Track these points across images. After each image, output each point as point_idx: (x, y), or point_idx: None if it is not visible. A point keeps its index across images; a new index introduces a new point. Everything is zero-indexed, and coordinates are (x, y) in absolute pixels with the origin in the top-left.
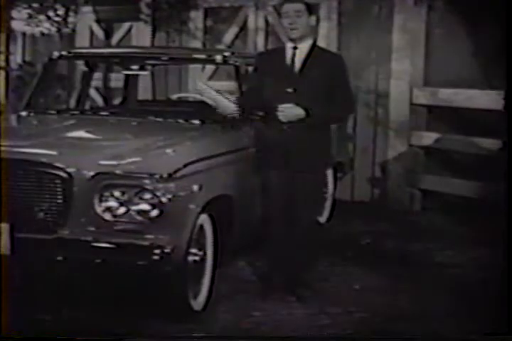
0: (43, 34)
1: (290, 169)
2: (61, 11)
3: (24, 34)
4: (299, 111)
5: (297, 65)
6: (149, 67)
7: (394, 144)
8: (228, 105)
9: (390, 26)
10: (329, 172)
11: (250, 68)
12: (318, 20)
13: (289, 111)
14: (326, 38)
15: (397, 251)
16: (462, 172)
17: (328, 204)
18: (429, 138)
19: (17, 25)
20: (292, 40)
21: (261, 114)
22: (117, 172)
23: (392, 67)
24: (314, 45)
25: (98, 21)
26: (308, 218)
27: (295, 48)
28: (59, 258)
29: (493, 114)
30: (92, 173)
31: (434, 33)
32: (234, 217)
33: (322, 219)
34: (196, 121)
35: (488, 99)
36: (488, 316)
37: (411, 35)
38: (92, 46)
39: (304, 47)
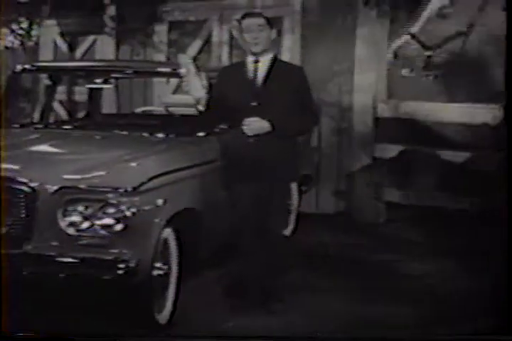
0: (6, 47)
1: (256, 182)
2: (25, 24)
3: None
4: (264, 125)
5: (260, 78)
6: (113, 81)
7: (358, 157)
8: (200, 89)
9: (353, 39)
10: (294, 185)
11: (214, 81)
12: (280, 34)
13: (254, 125)
14: (290, 50)
15: (362, 263)
16: (426, 184)
17: (293, 217)
18: (393, 150)
19: None
20: (254, 54)
21: (225, 127)
22: (81, 186)
23: (355, 80)
24: (275, 59)
25: (62, 34)
26: (275, 230)
27: (257, 62)
28: (25, 272)
29: (456, 127)
30: (55, 187)
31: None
32: (200, 231)
33: (287, 231)
34: (161, 135)
35: (450, 112)
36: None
37: (374, 47)
38: (55, 59)
39: (265, 60)
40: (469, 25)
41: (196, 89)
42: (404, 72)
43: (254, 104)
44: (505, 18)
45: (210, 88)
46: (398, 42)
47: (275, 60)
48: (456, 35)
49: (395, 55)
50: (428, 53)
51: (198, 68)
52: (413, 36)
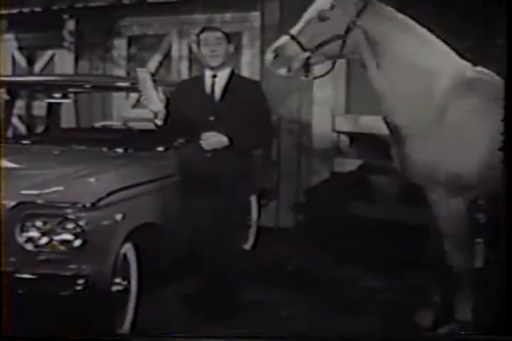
0: None
1: (214, 196)
2: None
3: None
4: (221, 139)
5: (217, 93)
6: (72, 95)
7: (317, 170)
8: (158, 103)
9: None
10: (253, 199)
11: (172, 96)
12: (238, 48)
13: (211, 139)
14: (249, 65)
15: (322, 277)
16: (386, 198)
17: (252, 231)
18: (351, 164)
19: None
20: (212, 68)
21: (183, 141)
22: (39, 201)
23: (314, 95)
24: (233, 73)
25: (20, 48)
26: (234, 245)
27: (214, 76)
28: None
29: None
30: (13, 203)
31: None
32: (159, 245)
33: (247, 246)
34: (120, 150)
35: None
36: None
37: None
38: (14, 74)
39: (223, 75)
40: (347, 30)
41: (154, 103)
42: (281, 71)
43: (211, 118)
44: (506, 18)
45: (168, 102)
46: (278, 42)
47: (233, 75)
48: (335, 39)
49: (276, 55)
50: (306, 55)
51: (156, 82)
52: (292, 37)
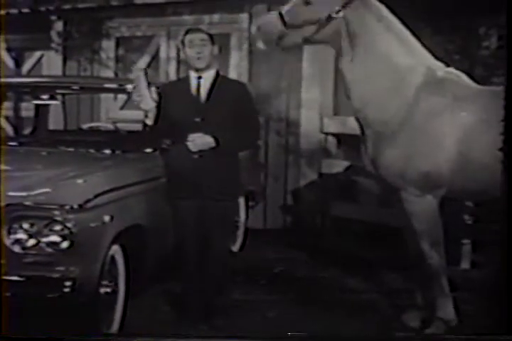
0: None
1: (201, 198)
2: None
3: None
4: (208, 140)
5: (203, 94)
6: (60, 97)
7: (305, 172)
8: (150, 102)
9: (300, 55)
10: (241, 201)
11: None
12: (227, 49)
13: (198, 141)
14: (237, 67)
15: (310, 278)
16: (372, 200)
17: (240, 233)
18: (339, 166)
19: None
20: (197, 69)
21: (170, 143)
22: (26, 203)
23: (302, 96)
24: (218, 75)
25: (8, 50)
26: (221, 246)
27: (200, 78)
28: None
29: None
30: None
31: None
32: (147, 247)
33: (235, 247)
34: (107, 151)
35: None
36: None
37: (321, 63)
38: (1, 75)
39: (208, 76)
40: (328, 17)
41: (146, 101)
42: (259, 44)
43: (197, 119)
44: (506, 18)
45: (160, 102)
46: (264, 18)
47: (218, 76)
48: (314, 22)
49: (258, 29)
50: (286, 31)
51: (149, 82)
52: (280, 15)
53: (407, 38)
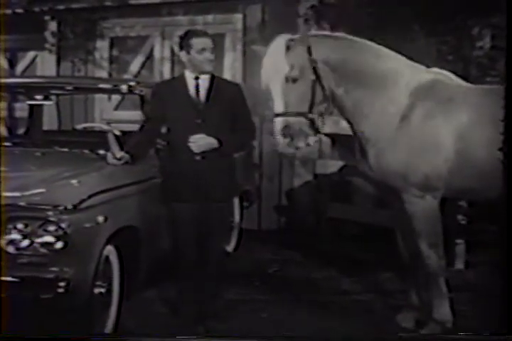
0: None
1: (198, 199)
2: None
3: None
4: (211, 141)
5: (202, 95)
6: (54, 97)
7: (299, 173)
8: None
9: None
10: (235, 201)
11: (151, 97)
12: (221, 50)
13: (201, 142)
14: (231, 68)
15: (304, 279)
16: (368, 200)
17: (235, 233)
18: (333, 166)
19: None
20: (203, 72)
21: (164, 143)
22: (21, 203)
23: None
24: (213, 76)
25: (2, 50)
26: (216, 247)
27: (197, 78)
28: None
29: None
30: None
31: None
32: (141, 248)
33: (229, 248)
34: (102, 152)
35: None
36: None
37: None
38: None
39: (205, 77)
40: (314, 71)
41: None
42: (290, 150)
43: (198, 121)
44: (506, 18)
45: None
46: (279, 125)
47: (213, 77)
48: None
49: (283, 135)
50: (308, 120)
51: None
52: (283, 114)
53: (383, 53)
